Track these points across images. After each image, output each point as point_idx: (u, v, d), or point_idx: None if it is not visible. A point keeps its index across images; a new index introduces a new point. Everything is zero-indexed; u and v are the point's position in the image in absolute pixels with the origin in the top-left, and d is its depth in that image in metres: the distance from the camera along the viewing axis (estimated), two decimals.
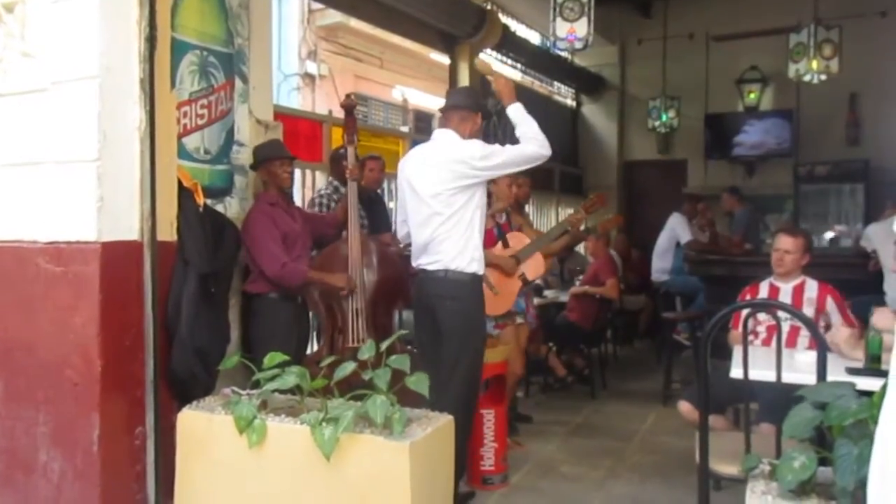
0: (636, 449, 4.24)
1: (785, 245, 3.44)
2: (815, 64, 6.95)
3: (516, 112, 3.14)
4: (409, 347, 3.55)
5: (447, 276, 3.10)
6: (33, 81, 2.81)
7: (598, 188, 9.65)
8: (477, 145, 3.11)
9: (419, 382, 2.43)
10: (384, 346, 2.50)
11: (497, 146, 3.12)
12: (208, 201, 3.15)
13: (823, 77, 7.05)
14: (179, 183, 2.96)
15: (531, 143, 3.09)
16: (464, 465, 3.25)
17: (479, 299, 3.19)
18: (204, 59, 3.24)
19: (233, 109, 3.43)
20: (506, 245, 4.00)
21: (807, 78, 7.09)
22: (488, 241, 3.67)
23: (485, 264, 3.59)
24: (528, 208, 6.73)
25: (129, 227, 2.76)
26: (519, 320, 4.10)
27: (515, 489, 3.57)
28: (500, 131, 7.42)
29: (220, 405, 2.62)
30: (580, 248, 7.21)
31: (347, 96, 3.82)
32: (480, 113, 3.26)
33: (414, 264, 3.25)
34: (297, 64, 8.70)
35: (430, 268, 3.14)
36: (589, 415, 4.99)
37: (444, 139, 3.21)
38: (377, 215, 4.55)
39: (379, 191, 5.36)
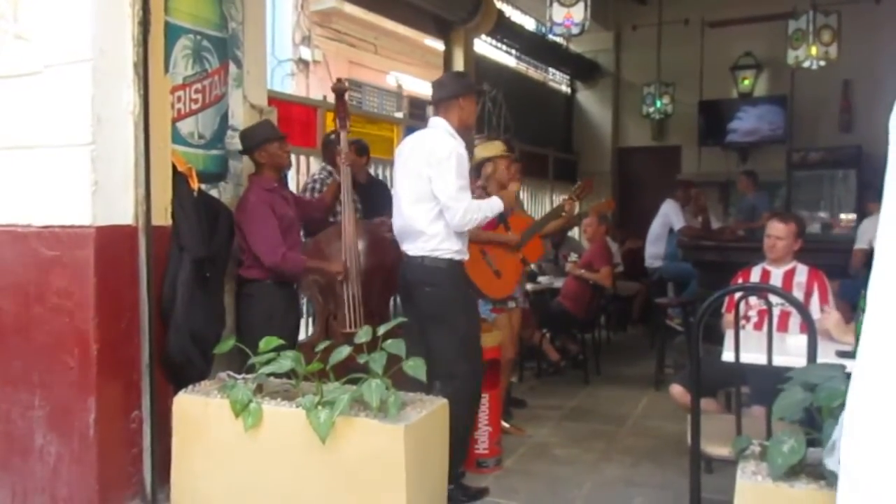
0: (629, 432, 4.28)
1: (777, 231, 3.46)
2: (814, 50, 6.93)
3: (493, 202, 3.23)
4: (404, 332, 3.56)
5: (424, 263, 3.09)
6: (26, 64, 2.80)
7: (591, 174, 9.68)
8: (446, 149, 3.04)
9: (416, 367, 2.44)
10: (381, 330, 2.51)
11: (453, 172, 3.01)
12: (203, 186, 3.14)
13: (822, 63, 7.04)
14: (174, 168, 2.95)
15: (468, 216, 3.03)
16: (466, 448, 3.26)
17: (457, 285, 3.15)
18: (198, 44, 3.22)
19: (227, 94, 3.42)
20: (507, 228, 4.01)
21: (806, 64, 7.08)
22: (489, 224, 3.68)
23: (488, 244, 3.56)
24: (522, 195, 6.74)
25: (123, 212, 2.76)
26: (511, 305, 4.12)
27: (509, 472, 3.60)
28: (494, 118, 7.42)
29: (215, 389, 2.64)
30: (573, 233, 7.23)
31: (338, 80, 3.78)
32: (460, 96, 3.18)
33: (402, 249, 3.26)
34: (290, 49, 8.66)
35: (410, 252, 3.15)
36: (582, 399, 5.03)
37: (434, 128, 3.21)
38: (381, 200, 4.53)
39: (381, 177, 5.36)
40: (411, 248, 3.14)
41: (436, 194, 3.05)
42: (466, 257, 3.22)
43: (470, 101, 3.23)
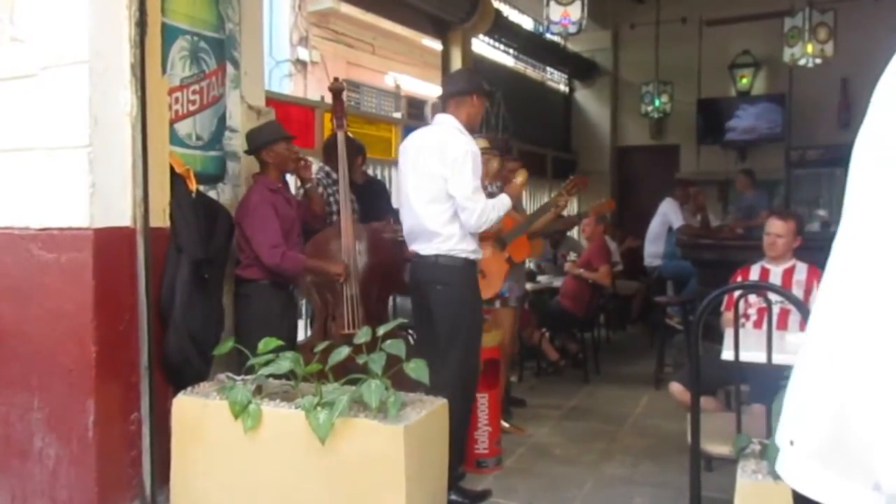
0: (629, 431, 4.27)
1: (776, 229, 3.46)
2: (810, 48, 6.94)
3: (502, 200, 3.16)
4: (404, 333, 3.55)
5: (438, 262, 3.08)
6: (23, 67, 2.79)
7: (590, 174, 9.66)
8: (461, 148, 3.02)
9: (418, 369, 2.43)
10: (381, 331, 2.51)
11: (470, 171, 3.00)
12: (201, 187, 3.14)
13: (818, 61, 7.04)
14: (172, 169, 2.95)
15: (484, 217, 3.01)
16: (463, 450, 3.25)
17: (471, 285, 3.16)
18: (195, 45, 3.22)
19: (224, 95, 3.41)
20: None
21: (802, 62, 7.08)
22: None
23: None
24: (521, 194, 6.72)
25: (121, 214, 2.75)
26: (497, 304, 4.08)
27: (509, 472, 3.59)
28: (492, 117, 7.42)
29: (214, 391, 2.63)
30: (572, 232, 7.23)
31: (335, 79, 3.80)
32: (474, 94, 3.19)
33: (410, 249, 3.25)
34: (288, 50, 8.66)
35: (422, 252, 3.14)
36: (582, 398, 5.02)
37: (442, 124, 3.19)
38: (379, 200, 4.52)
39: (381, 177, 5.35)
40: (424, 248, 3.12)
41: (451, 194, 3.03)
42: (480, 256, 3.21)
43: (481, 101, 3.24)
